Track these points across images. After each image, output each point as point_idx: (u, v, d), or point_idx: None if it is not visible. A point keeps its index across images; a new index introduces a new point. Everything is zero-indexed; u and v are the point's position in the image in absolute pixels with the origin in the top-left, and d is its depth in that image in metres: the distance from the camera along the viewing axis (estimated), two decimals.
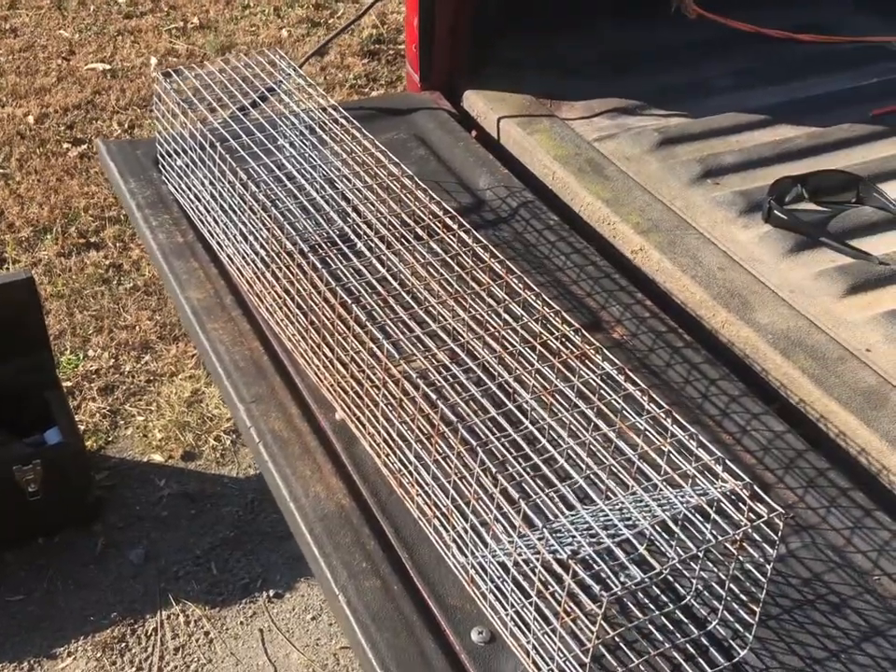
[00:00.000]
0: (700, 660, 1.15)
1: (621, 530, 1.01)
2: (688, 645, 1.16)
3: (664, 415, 1.17)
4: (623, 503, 1.12)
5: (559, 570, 1.13)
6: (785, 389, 1.56)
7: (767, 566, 1.10)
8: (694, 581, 1.20)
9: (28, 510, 2.55)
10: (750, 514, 1.06)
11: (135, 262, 3.61)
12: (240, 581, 2.62)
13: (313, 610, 2.56)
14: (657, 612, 1.18)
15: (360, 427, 1.36)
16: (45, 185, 3.96)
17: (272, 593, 2.59)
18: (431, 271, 1.44)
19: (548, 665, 1.09)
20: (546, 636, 1.09)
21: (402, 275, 1.45)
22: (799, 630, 1.19)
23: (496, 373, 1.35)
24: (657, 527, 1.11)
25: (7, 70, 4.76)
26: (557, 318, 1.30)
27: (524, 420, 1.21)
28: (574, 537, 1.06)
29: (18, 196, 3.90)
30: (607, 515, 1.08)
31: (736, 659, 1.15)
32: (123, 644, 2.45)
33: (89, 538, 2.70)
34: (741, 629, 1.17)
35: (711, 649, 1.16)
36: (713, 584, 1.20)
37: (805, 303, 1.69)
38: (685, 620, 1.19)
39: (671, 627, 1.18)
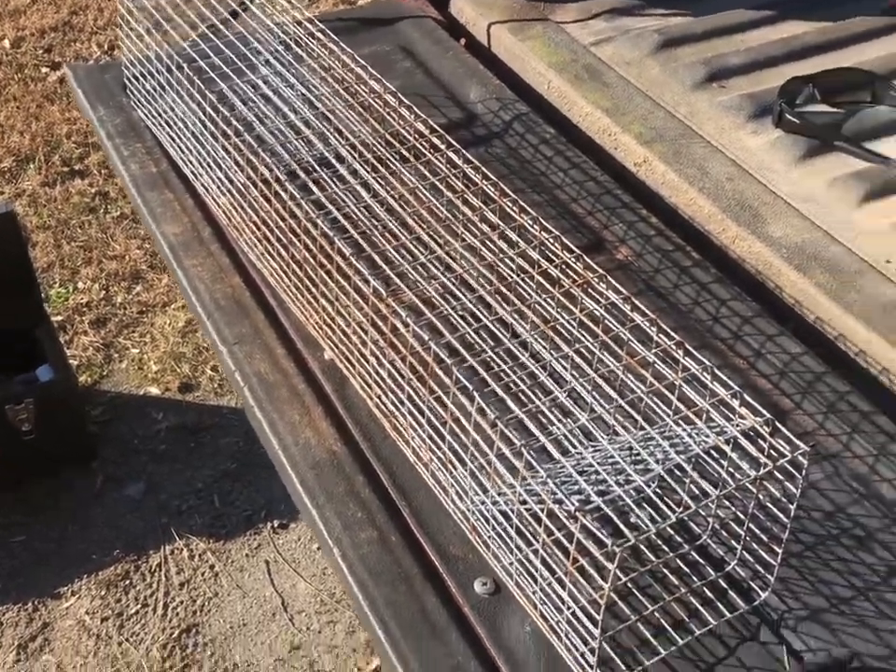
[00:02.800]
0: (718, 604, 1.08)
1: (631, 476, 0.94)
2: (705, 588, 1.10)
3: (674, 347, 1.09)
4: (632, 443, 1.04)
5: (566, 519, 1.06)
6: (801, 307, 1.48)
7: (790, 504, 1.03)
8: (710, 520, 1.13)
9: (24, 449, 2.50)
10: (771, 452, 0.98)
11: (121, 190, 3.50)
12: (243, 513, 2.58)
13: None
14: (671, 554, 1.12)
15: (350, 367, 1.28)
16: (25, 112, 3.83)
17: (276, 523, 2.55)
18: (419, 196, 1.34)
19: (555, 616, 1.03)
20: (552, 586, 1.02)
21: (388, 202, 1.35)
22: (823, 568, 1.12)
23: (492, 306, 1.26)
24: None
25: None
26: (557, 244, 1.21)
27: (523, 356, 1.12)
28: (580, 482, 0.99)
29: None
30: (613, 457, 1.01)
31: (757, 602, 1.09)
32: (127, 581, 2.42)
33: (88, 475, 2.65)
34: (761, 570, 1.10)
35: (730, 591, 1.09)
36: (730, 522, 1.13)
37: (820, 213, 1.59)
38: (701, 561, 1.12)
39: (686, 570, 1.11)
